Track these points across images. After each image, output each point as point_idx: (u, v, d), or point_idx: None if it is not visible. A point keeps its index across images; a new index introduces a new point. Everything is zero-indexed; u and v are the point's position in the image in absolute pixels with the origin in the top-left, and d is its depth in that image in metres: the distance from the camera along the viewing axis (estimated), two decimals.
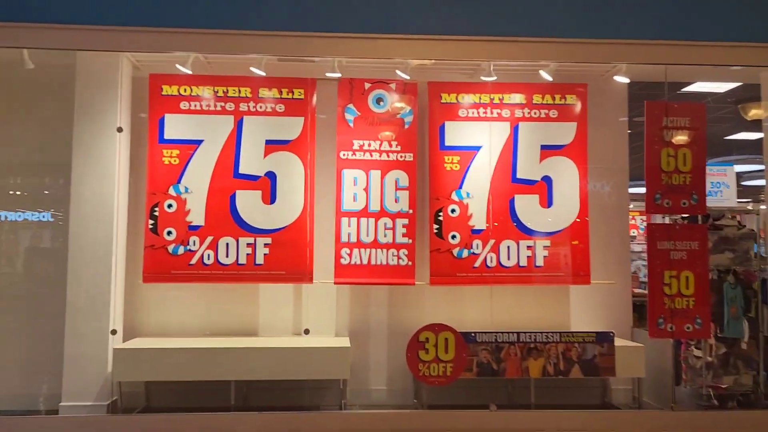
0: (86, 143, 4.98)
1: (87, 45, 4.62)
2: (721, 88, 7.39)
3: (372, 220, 5.12)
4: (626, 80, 5.17)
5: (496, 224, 5.15)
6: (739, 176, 9.77)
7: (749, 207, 8.49)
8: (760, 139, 5.95)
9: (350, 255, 5.08)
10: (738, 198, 9.67)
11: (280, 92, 5.15)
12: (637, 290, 5.66)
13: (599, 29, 4.87)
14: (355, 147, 5.17)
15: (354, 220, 5.11)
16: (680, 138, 4.88)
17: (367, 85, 5.23)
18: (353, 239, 5.09)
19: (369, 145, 5.18)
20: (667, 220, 5.21)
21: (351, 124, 5.19)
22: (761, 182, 6.25)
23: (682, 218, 5.12)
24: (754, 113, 5.90)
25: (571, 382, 4.98)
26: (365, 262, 5.09)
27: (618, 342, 4.94)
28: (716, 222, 5.16)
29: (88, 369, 4.83)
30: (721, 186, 8.93)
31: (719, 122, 8.94)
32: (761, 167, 6.16)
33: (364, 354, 5.32)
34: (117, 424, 4.66)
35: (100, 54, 4.89)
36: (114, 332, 4.91)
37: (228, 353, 4.81)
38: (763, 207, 5.83)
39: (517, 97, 5.25)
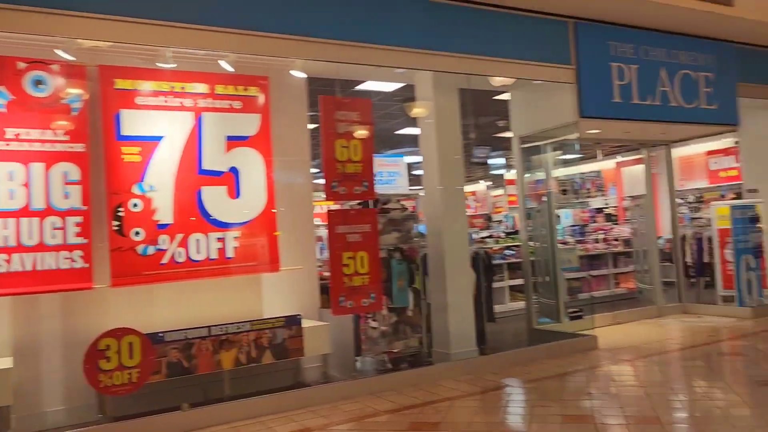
0: None
1: None
2: (390, 87, 8.35)
3: (36, 220, 4.48)
4: (303, 75, 5.47)
5: (193, 219, 4.99)
6: (411, 167, 11.21)
7: (420, 194, 9.84)
8: None
9: (9, 261, 4.38)
10: (410, 186, 11.10)
11: None
12: (327, 274, 6.06)
13: (279, 24, 5.06)
14: (10, 136, 4.46)
15: (12, 220, 4.42)
16: (351, 130, 5.37)
17: (22, 65, 4.54)
18: (12, 243, 4.40)
19: (28, 133, 4.52)
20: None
21: (2, 109, 4.45)
22: None
23: (358, 204, 5.66)
24: (415, 111, 6.78)
25: (264, 368, 5.11)
26: (29, 268, 4.44)
27: (306, 323, 5.23)
28: (384, 206, 5.82)
29: None
30: (395, 175, 10.15)
31: (391, 118, 10.09)
32: None
33: (35, 373, 4.67)
34: None
35: None
36: None
37: None
38: (422, 193, 6.76)
39: (200, 87, 5.14)
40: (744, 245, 8.00)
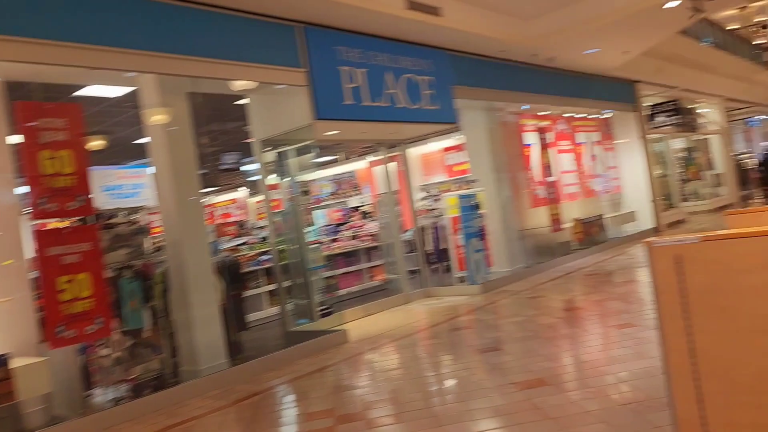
0: None
1: None
2: (119, 92, 7.69)
3: None
4: None
5: None
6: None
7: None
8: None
9: None
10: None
11: None
12: None
13: None
14: None
15: None
16: (58, 139, 4.78)
17: None
18: None
19: None
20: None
21: None
22: None
23: (78, 221, 5.07)
24: (154, 119, 6.32)
25: None
26: None
27: (18, 362, 4.52)
28: (109, 221, 5.31)
29: None
30: (139, 187, 9.43)
31: (129, 126, 9.34)
32: None
33: None
34: None
35: None
36: None
37: None
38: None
39: None
40: (470, 230, 9.01)
